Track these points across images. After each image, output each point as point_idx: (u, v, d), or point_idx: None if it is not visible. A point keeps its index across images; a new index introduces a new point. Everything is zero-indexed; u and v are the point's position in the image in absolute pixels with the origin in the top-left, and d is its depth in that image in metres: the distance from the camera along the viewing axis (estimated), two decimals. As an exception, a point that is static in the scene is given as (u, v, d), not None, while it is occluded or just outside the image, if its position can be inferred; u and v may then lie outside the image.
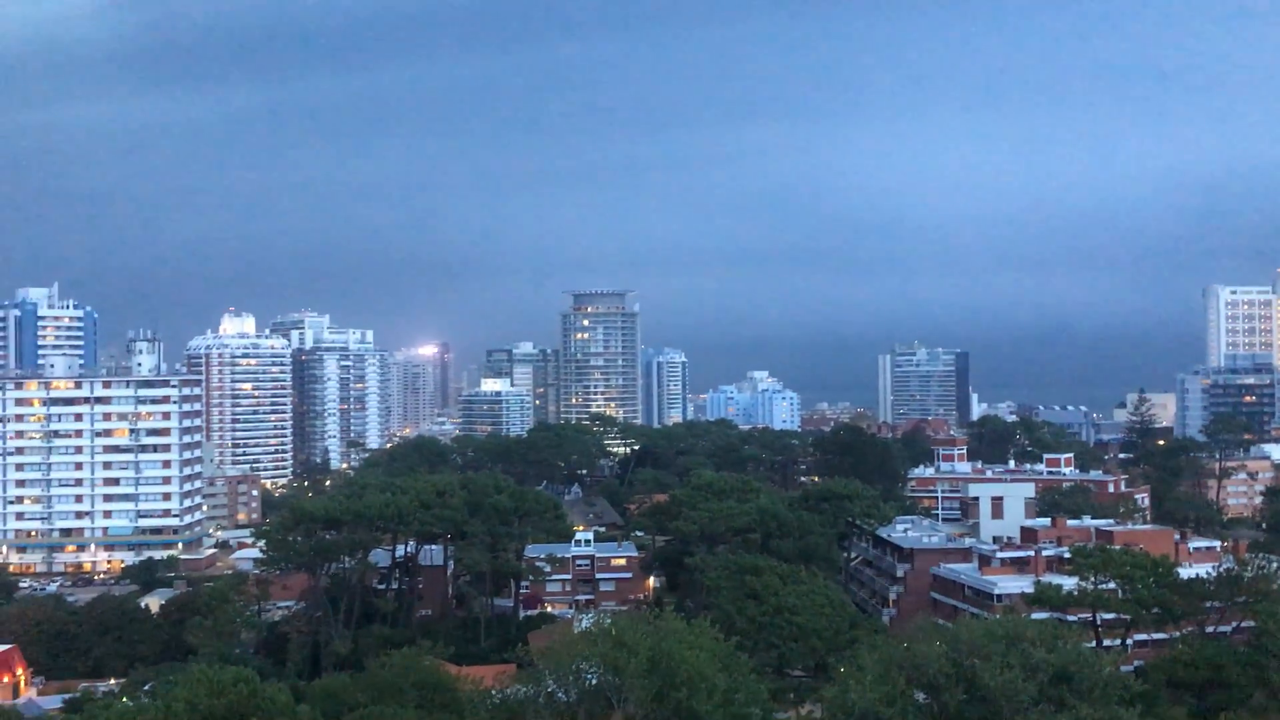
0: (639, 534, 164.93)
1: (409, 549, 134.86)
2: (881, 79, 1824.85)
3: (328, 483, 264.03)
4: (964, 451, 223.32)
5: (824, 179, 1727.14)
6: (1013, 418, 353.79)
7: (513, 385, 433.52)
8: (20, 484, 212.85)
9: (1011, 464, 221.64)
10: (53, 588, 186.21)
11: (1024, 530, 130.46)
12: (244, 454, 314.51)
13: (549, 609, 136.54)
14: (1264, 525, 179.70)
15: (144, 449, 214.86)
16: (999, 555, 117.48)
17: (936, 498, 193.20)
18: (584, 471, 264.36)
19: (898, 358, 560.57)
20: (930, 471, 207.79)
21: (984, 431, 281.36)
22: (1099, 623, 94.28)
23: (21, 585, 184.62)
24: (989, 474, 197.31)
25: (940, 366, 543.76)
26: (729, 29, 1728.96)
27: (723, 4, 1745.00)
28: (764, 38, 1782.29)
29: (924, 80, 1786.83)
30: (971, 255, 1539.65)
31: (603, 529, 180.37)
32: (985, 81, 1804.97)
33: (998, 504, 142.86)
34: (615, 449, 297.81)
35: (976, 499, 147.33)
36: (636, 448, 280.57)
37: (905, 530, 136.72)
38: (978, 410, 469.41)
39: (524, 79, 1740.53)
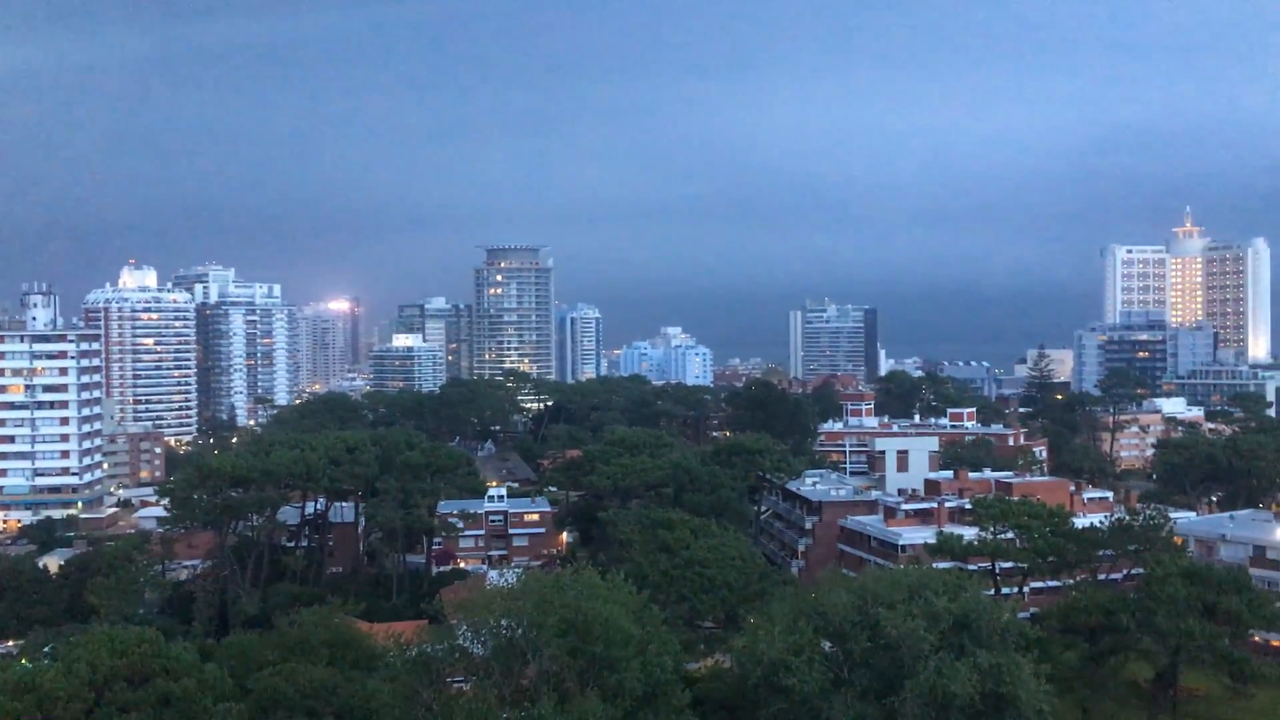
0: (552, 489, 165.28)
1: (319, 506, 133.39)
2: (797, 38, 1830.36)
3: (234, 440, 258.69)
4: (871, 406, 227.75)
5: (738, 135, 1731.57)
6: (919, 373, 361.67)
7: (425, 341, 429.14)
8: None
9: (917, 418, 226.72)
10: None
11: (928, 483, 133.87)
12: (146, 411, 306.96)
13: (462, 565, 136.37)
14: (1154, 476, 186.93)
15: (40, 405, 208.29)
16: (904, 507, 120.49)
17: (845, 452, 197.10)
18: (497, 427, 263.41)
19: (808, 314, 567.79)
20: (839, 426, 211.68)
21: (891, 387, 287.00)
22: (998, 571, 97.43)
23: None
24: (895, 428, 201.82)
25: (849, 323, 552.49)
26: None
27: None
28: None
29: (838, 40, 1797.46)
30: (881, 213, 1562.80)
31: (516, 485, 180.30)
32: (897, 43, 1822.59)
33: (903, 457, 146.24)
34: (529, 405, 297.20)
35: (883, 453, 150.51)
36: (550, 403, 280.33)
37: (814, 484, 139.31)
38: (885, 366, 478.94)
39: (437, 28, 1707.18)
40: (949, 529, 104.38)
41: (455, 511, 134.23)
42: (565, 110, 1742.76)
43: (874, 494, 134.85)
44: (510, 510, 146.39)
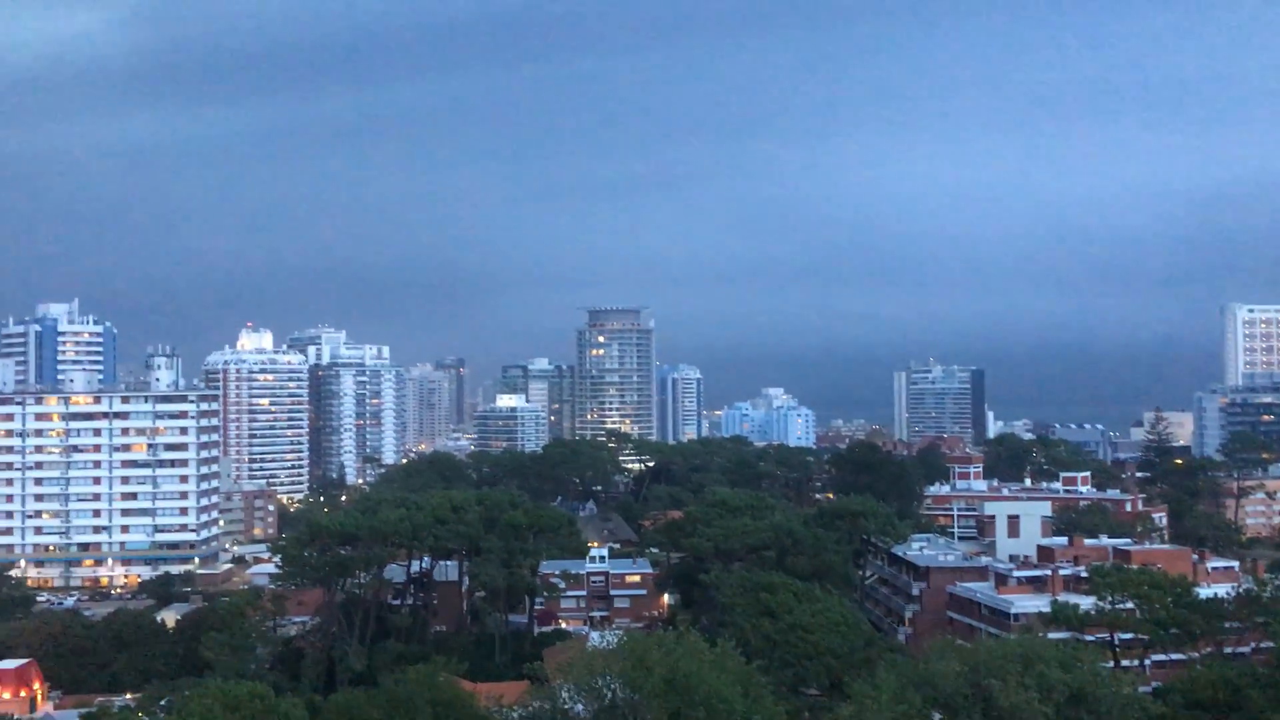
0: (653, 550, 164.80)
1: (424, 565, 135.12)
2: (901, 92, 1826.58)
3: (343, 498, 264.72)
4: (980, 469, 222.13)
5: (841, 193, 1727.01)
6: (1029, 435, 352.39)
7: (528, 401, 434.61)
8: (39, 498, 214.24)
9: (1028, 482, 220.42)
10: (70, 602, 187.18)
11: (1041, 549, 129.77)
12: (261, 469, 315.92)
13: (564, 625, 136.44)
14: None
15: (162, 464, 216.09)
16: (1015, 574, 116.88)
17: (952, 516, 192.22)
18: (599, 488, 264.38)
19: (913, 375, 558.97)
20: (946, 489, 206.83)
21: (1000, 449, 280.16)
22: (1117, 643, 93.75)
23: (39, 599, 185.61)
24: (1005, 492, 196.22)
25: (955, 384, 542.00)
26: (743, 43, 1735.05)
27: (736, 19, 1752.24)
28: (778, 51, 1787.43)
29: (944, 94, 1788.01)
30: (988, 271, 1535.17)
31: (617, 545, 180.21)
32: (1003, 97, 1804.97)
33: (1014, 522, 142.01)
34: (630, 465, 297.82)
35: (993, 517, 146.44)
36: (651, 464, 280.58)
37: (921, 548, 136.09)
38: (994, 428, 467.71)
39: (538, 93, 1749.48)
40: (1064, 597, 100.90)
41: (557, 572, 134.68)
42: (664, 172, 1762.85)
43: (984, 560, 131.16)
44: (612, 571, 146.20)
